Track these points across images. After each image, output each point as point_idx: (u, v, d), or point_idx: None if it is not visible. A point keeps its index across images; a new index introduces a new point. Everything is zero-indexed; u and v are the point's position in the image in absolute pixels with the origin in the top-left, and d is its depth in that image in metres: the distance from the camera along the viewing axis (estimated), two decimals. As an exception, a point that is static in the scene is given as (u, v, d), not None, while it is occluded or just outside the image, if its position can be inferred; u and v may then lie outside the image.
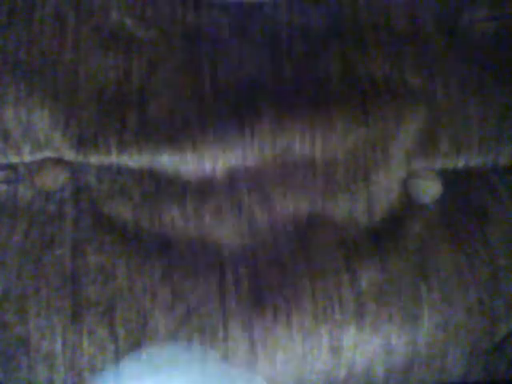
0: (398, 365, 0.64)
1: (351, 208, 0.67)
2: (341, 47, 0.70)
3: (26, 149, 0.67)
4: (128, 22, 0.71)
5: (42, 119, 0.67)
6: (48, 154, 0.67)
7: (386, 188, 0.68)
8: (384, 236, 0.66)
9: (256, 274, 0.64)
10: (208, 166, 0.67)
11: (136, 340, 0.61)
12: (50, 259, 0.64)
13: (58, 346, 0.61)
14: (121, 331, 0.61)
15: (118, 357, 0.61)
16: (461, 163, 0.70)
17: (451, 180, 0.69)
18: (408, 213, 0.68)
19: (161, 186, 0.66)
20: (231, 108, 0.68)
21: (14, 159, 0.67)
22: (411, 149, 0.69)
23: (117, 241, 0.64)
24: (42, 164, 0.67)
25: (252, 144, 0.67)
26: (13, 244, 0.64)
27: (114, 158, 0.67)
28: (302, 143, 0.67)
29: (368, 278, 0.64)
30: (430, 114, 0.69)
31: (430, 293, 0.64)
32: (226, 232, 0.66)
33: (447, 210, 0.68)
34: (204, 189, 0.67)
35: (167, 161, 0.67)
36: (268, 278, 0.64)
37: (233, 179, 0.67)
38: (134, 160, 0.67)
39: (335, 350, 0.63)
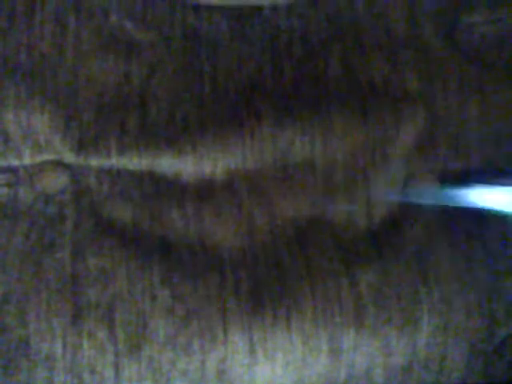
0: (398, 367, 0.64)
1: (350, 210, 0.67)
2: (340, 50, 0.71)
3: (27, 152, 0.67)
4: (128, 24, 0.71)
5: (42, 122, 0.67)
6: (48, 156, 0.67)
7: (385, 190, 0.68)
8: (383, 238, 0.66)
9: (256, 276, 0.64)
10: (208, 168, 0.67)
11: (136, 342, 0.61)
12: (50, 262, 0.64)
13: (58, 348, 0.61)
14: (120, 333, 0.61)
15: (117, 359, 0.61)
16: (460, 165, 0.70)
17: (450, 182, 0.69)
18: (407, 215, 0.68)
19: (161, 189, 0.67)
20: (231, 110, 0.68)
21: (15, 162, 0.67)
22: (410, 151, 0.69)
23: (117, 243, 0.65)
24: (42, 167, 0.67)
25: (252, 146, 0.67)
26: (13, 247, 0.64)
27: (114, 161, 0.67)
28: (302, 145, 0.67)
29: (367, 280, 0.64)
30: (429, 116, 0.69)
31: (429, 295, 0.64)
32: (225, 234, 0.66)
33: (446, 212, 0.68)
34: (204, 191, 0.67)
35: (167, 163, 0.67)
36: (268, 281, 0.64)
37: (232, 181, 0.67)
38: (134, 163, 0.67)
39: (335, 353, 0.63)
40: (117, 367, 0.61)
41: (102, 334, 0.61)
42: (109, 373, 0.61)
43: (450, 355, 0.64)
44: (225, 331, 0.62)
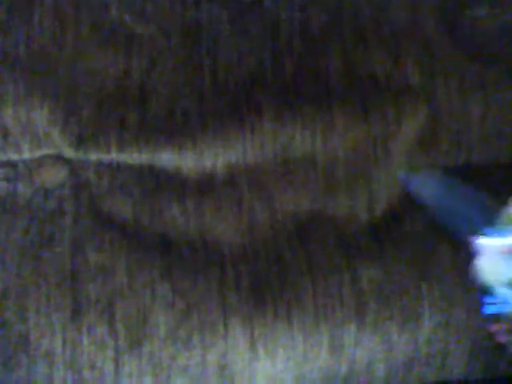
0: (399, 362, 0.64)
1: (352, 205, 0.67)
2: (341, 44, 0.70)
3: (26, 146, 0.67)
4: (127, 18, 0.71)
5: (41, 117, 0.67)
6: (47, 151, 0.67)
7: (386, 185, 0.68)
8: (384, 234, 0.66)
9: (256, 271, 0.64)
10: (208, 163, 0.67)
11: (136, 337, 0.61)
12: (49, 256, 0.63)
13: (58, 343, 0.61)
14: (121, 328, 0.61)
15: (117, 354, 0.61)
16: (461, 160, 0.70)
17: (452, 177, 0.69)
18: (408, 210, 0.67)
19: (161, 183, 0.66)
20: (231, 105, 0.68)
21: (14, 157, 0.67)
22: (412, 146, 0.69)
23: (117, 238, 0.64)
24: (41, 161, 0.67)
25: (252, 141, 0.67)
26: (12, 241, 0.64)
27: (114, 156, 0.66)
28: (303, 140, 0.67)
29: (368, 276, 0.64)
30: (431, 111, 0.69)
31: (430, 291, 0.64)
32: (226, 229, 0.66)
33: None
34: (204, 186, 0.66)
35: (167, 158, 0.66)
36: (268, 276, 0.64)
37: (233, 176, 0.67)
38: (134, 157, 0.66)
39: (336, 348, 0.63)
40: (117, 363, 0.61)
41: (101, 330, 0.61)
42: (109, 368, 0.61)
43: (452, 351, 0.64)
44: (225, 326, 0.62)
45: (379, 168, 0.67)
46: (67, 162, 0.67)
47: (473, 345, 0.64)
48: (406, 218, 0.67)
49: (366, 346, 0.63)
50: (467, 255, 0.59)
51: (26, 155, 0.67)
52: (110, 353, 0.61)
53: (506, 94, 0.70)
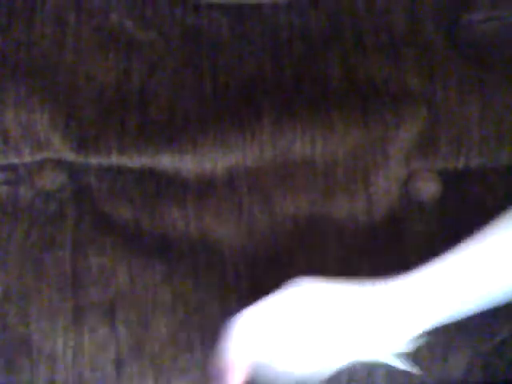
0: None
1: (351, 208, 0.67)
2: (341, 49, 0.71)
3: (26, 150, 0.67)
4: (128, 23, 0.71)
5: (41, 120, 0.67)
6: (48, 154, 0.67)
7: (385, 189, 0.68)
8: (384, 236, 0.66)
9: (256, 273, 0.64)
10: (208, 166, 0.67)
11: (137, 339, 0.61)
12: (50, 260, 0.64)
13: (60, 346, 0.61)
14: (122, 332, 0.61)
15: (119, 356, 0.61)
16: (460, 164, 0.70)
17: (451, 180, 0.69)
18: (408, 213, 0.68)
19: (161, 187, 0.66)
20: (231, 109, 0.68)
21: (15, 160, 0.67)
22: (411, 150, 0.69)
23: (117, 241, 0.64)
24: (42, 165, 0.67)
25: (252, 145, 0.67)
26: (14, 245, 0.64)
27: (114, 160, 0.67)
28: (302, 144, 0.67)
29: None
30: (430, 115, 0.69)
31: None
32: (226, 232, 0.66)
33: (447, 210, 0.68)
34: (204, 189, 0.67)
35: (167, 162, 0.67)
36: (268, 278, 0.64)
37: (233, 180, 0.67)
38: (135, 161, 0.67)
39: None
40: (118, 365, 0.61)
41: (103, 332, 0.61)
42: (110, 370, 0.61)
43: (451, 355, 0.64)
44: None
45: (378, 171, 0.68)
46: (68, 165, 0.67)
47: (473, 348, 0.64)
48: (405, 220, 0.67)
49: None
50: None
51: (27, 159, 0.67)
52: (112, 355, 0.61)
53: (505, 97, 0.70)
